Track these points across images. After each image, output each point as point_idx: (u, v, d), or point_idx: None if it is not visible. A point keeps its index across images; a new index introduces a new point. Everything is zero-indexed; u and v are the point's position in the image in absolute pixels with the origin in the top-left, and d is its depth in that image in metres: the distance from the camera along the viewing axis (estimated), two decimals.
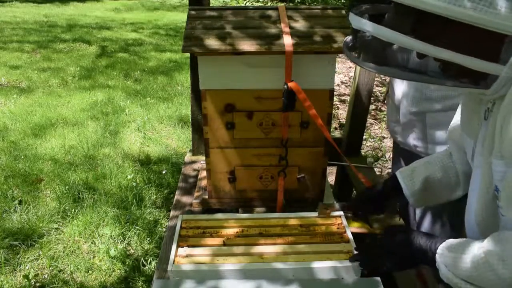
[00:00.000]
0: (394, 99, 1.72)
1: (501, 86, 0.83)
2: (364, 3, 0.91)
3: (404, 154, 1.80)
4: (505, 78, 0.81)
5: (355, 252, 1.27)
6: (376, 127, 4.15)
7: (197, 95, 1.94)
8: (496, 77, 0.82)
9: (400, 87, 1.66)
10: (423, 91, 1.57)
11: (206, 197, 1.68)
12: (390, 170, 3.43)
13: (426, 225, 1.78)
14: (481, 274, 0.85)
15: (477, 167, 0.98)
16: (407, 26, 0.82)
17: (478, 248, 0.87)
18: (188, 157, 2.11)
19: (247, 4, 9.54)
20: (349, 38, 0.96)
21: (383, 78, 5.16)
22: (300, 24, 1.46)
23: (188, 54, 1.70)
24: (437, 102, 1.55)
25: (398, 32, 0.81)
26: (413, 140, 1.69)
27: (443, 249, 0.94)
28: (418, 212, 1.82)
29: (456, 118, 1.21)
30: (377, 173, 2.98)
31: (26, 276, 2.16)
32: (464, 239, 0.94)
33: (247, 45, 1.37)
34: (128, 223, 2.57)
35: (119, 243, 2.45)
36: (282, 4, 1.66)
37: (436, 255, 0.95)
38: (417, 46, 0.81)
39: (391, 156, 2.05)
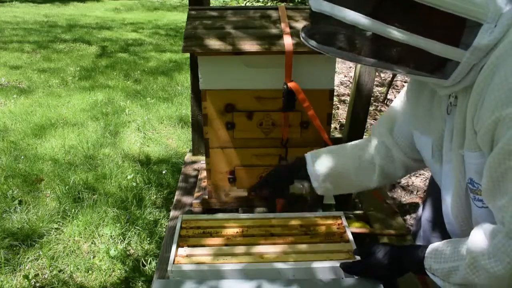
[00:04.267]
0: None
1: (462, 74, 0.80)
2: None
3: None
4: (466, 65, 0.78)
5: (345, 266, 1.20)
6: None
7: (197, 95, 1.94)
8: (456, 65, 0.79)
9: None
10: None
11: (206, 197, 1.68)
12: None
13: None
14: (475, 277, 0.84)
15: (447, 162, 0.97)
16: (367, 6, 0.77)
17: (464, 253, 0.86)
18: (188, 157, 2.11)
19: (247, 4, 9.53)
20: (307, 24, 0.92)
21: (383, 78, 5.16)
22: (300, 24, 1.46)
23: (188, 54, 1.71)
24: None
25: (357, 12, 0.76)
26: None
27: (430, 263, 0.94)
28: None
29: (393, 112, 1.19)
30: None
31: (26, 276, 2.16)
32: (445, 243, 0.94)
33: (247, 45, 1.37)
34: (128, 223, 2.57)
35: (119, 243, 2.45)
36: (282, 4, 1.66)
37: (426, 270, 0.95)
38: (379, 28, 0.76)
39: None
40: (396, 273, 1.05)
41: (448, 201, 0.99)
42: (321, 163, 1.25)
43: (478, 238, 0.84)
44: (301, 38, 0.89)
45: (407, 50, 0.79)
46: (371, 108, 4.35)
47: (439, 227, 1.90)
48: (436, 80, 0.84)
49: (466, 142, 0.86)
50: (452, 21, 0.76)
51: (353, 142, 1.31)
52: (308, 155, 1.29)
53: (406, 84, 1.17)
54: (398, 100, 1.19)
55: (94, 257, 2.36)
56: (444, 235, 1.87)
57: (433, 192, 1.92)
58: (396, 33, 0.76)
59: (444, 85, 0.85)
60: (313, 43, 0.86)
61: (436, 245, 0.94)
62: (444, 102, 0.95)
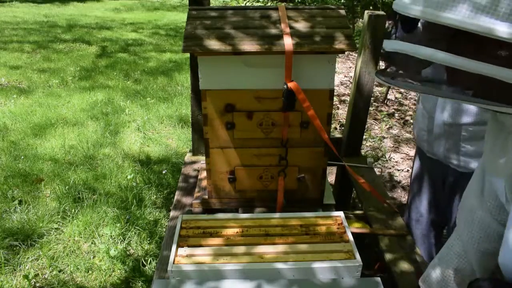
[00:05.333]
0: (427, 108, 1.68)
1: None
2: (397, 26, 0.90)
3: (430, 163, 1.78)
4: None
5: None
6: (376, 127, 4.15)
7: (197, 95, 1.94)
8: None
9: (436, 97, 1.63)
10: (461, 104, 1.54)
11: (206, 197, 1.68)
12: (391, 170, 3.43)
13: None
14: None
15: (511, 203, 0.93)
16: (443, 43, 0.80)
17: None
18: (188, 157, 2.11)
19: (247, 4, 9.54)
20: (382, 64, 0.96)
21: None
22: (300, 24, 1.46)
23: (188, 54, 1.71)
24: (475, 115, 1.51)
25: (434, 49, 0.79)
26: (445, 151, 1.67)
27: None
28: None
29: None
30: (377, 173, 2.98)
31: (26, 276, 2.16)
32: None
33: (247, 45, 1.37)
34: (128, 223, 2.57)
35: (119, 243, 2.45)
36: (282, 4, 1.66)
37: None
38: (456, 62, 0.78)
39: (413, 160, 2.03)
40: None
41: (509, 244, 0.92)
42: None
43: None
44: (377, 77, 0.92)
45: (482, 81, 0.80)
46: (371, 108, 4.35)
47: (426, 227, 1.91)
48: (506, 109, 0.82)
49: None
50: None
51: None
52: None
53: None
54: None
55: (94, 257, 2.36)
56: (430, 233, 1.88)
57: (416, 195, 1.93)
58: (468, 64, 0.78)
59: None
60: (385, 78, 0.90)
61: None
62: (510, 136, 0.93)
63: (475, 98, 0.83)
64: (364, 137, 2.67)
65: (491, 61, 0.77)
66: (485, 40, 0.76)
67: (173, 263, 1.23)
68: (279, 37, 1.40)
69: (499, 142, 1.01)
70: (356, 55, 2.11)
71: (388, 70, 0.92)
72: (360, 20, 7.45)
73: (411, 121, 4.28)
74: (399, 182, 3.27)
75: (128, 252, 2.39)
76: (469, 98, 0.84)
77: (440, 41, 0.81)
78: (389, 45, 0.87)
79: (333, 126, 4.04)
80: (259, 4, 9.64)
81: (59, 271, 2.25)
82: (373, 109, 4.44)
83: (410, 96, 4.90)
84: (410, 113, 4.48)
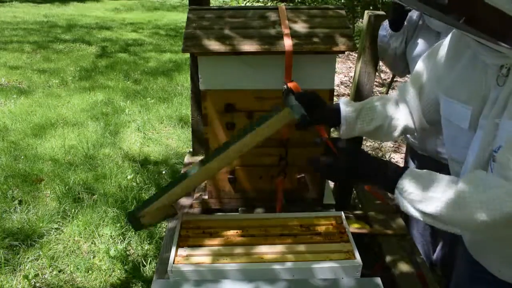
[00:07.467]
0: None
1: None
2: None
3: (421, 160, 1.78)
4: None
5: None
6: None
7: (197, 96, 1.94)
8: None
9: None
10: None
11: (206, 197, 1.68)
12: None
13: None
14: (454, 213, 0.86)
15: (479, 129, 0.98)
16: None
17: (453, 190, 0.87)
18: (187, 158, 2.11)
19: (247, 4, 9.53)
20: None
21: (383, 79, 5.16)
22: (300, 25, 1.46)
23: (188, 55, 1.71)
24: None
25: None
26: (436, 147, 1.67)
27: (406, 185, 0.92)
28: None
29: (418, 78, 1.21)
30: None
31: (26, 276, 2.16)
32: (428, 172, 0.94)
33: (247, 45, 1.37)
34: (128, 223, 2.57)
35: (119, 243, 2.45)
36: (282, 4, 1.66)
37: (396, 190, 0.94)
38: None
39: (404, 159, 2.05)
40: (353, 179, 1.04)
41: (469, 165, 1.01)
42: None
43: (476, 182, 0.86)
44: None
45: (484, 16, 0.78)
46: None
47: (423, 226, 1.91)
48: (503, 49, 0.83)
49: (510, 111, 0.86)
50: None
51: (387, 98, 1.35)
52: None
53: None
54: (422, 67, 1.20)
55: (94, 257, 2.36)
56: (427, 232, 1.88)
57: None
58: None
59: (507, 55, 0.85)
60: None
61: (418, 171, 0.95)
62: (493, 71, 0.94)
63: (467, 26, 0.81)
64: (364, 137, 2.66)
65: None
66: None
67: (173, 263, 1.23)
68: (279, 37, 1.40)
69: (459, 66, 1.02)
70: (356, 55, 2.12)
71: None
72: (360, 20, 7.45)
73: None
74: None
75: (128, 252, 2.39)
76: (460, 25, 0.82)
77: None
78: None
79: None
80: (259, 4, 9.64)
81: (59, 271, 2.26)
82: None
83: None
84: None
